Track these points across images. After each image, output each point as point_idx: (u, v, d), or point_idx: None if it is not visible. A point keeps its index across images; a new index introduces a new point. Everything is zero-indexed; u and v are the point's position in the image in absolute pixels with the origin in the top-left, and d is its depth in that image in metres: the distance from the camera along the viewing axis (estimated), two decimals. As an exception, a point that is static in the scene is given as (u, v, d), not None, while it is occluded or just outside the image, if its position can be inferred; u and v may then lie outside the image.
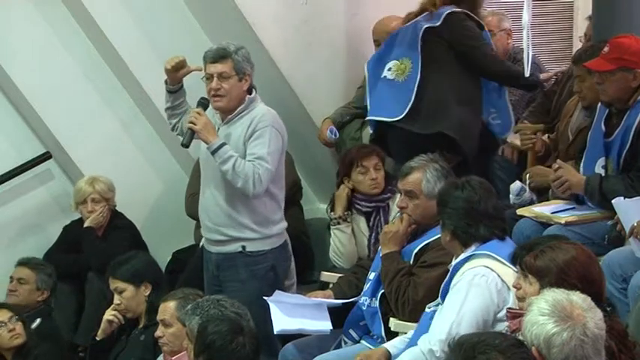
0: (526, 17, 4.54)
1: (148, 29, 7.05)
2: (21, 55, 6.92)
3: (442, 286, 4.62)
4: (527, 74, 4.76)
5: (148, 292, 5.53)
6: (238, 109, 5.53)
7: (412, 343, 4.58)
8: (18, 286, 6.51)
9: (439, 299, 4.60)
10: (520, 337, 3.47)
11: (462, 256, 4.53)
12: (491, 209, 4.60)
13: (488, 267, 4.41)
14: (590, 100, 5.49)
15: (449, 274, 4.57)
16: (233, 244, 5.59)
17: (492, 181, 6.24)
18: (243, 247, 5.57)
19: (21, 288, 6.50)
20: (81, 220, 6.80)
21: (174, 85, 5.67)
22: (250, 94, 5.57)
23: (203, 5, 7.07)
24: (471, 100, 6.03)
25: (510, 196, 5.49)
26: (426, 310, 4.70)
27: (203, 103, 5.53)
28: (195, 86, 5.72)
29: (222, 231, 5.60)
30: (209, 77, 5.50)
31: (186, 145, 5.52)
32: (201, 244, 6.46)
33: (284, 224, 5.71)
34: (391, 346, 4.77)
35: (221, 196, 5.57)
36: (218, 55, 5.48)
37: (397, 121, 5.98)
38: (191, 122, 5.42)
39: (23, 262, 6.62)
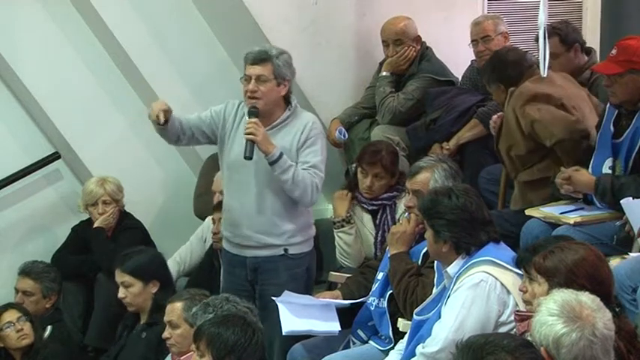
0: (542, 17, 4.51)
1: (157, 30, 7.04)
2: (30, 56, 6.92)
3: (440, 294, 4.58)
4: (544, 74, 4.72)
5: (155, 290, 5.52)
6: (284, 116, 5.46)
7: (408, 354, 4.57)
8: (24, 299, 6.45)
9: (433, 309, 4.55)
10: (529, 339, 3.47)
11: (461, 263, 4.49)
12: (487, 215, 4.59)
13: (486, 272, 4.39)
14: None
15: (449, 282, 4.52)
16: (274, 248, 5.53)
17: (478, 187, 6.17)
18: (286, 250, 5.52)
19: (27, 300, 6.44)
20: (90, 221, 6.77)
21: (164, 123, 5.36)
22: (288, 100, 5.50)
23: (212, 6, 7.06)
24: None
25: None
26: (415, 317, 4.66)
27: (254, 112, 5.37)
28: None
29: (264, 240, 5.51)
30: (247, 79, 5.40)
31: (249, 158, 5.29)
32: (209, 244, 6.44)
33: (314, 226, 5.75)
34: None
35: (266, 205, 5.46)
36: (259, 58, 5.39)
37: None
38: (250, 133, 5.27)
39: (25, 272, 6.53)
